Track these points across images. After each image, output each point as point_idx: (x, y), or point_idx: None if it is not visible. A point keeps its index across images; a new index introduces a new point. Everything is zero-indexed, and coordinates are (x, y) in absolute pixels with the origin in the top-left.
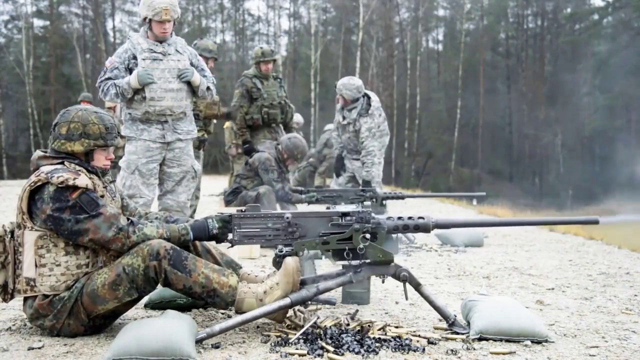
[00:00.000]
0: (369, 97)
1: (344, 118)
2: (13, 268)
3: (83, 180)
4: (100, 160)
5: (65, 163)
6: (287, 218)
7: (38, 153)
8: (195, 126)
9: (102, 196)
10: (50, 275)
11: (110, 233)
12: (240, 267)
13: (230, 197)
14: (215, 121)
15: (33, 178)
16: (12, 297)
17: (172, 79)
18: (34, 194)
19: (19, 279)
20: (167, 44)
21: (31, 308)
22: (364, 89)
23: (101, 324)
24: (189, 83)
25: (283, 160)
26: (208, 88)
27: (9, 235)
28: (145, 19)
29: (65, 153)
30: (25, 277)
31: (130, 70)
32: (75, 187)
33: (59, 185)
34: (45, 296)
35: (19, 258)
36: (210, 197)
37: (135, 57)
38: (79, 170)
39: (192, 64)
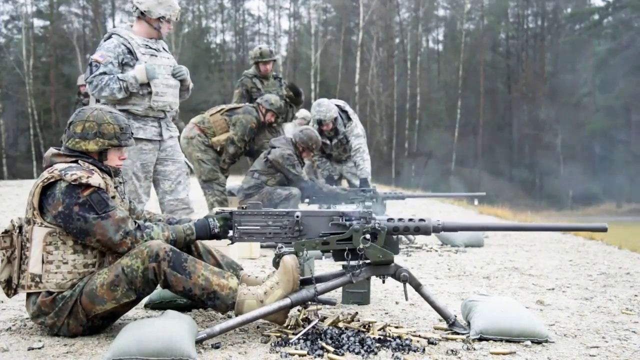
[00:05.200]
0: (336, 105)
1: (331, 140)
2: (19, 263)
3: (96, 179)
4: (114, 159)
5: (79, 162)
6: (297, 216)
7: (52, 150)
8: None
9: (114, 197)
10: (56, 273)
11: (117, 237)
12: (241, 269)
13: (252, 190)
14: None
15: (46, 174)
16: (15, 292)
17: (168, 76)
18: (46, 190)
19: (24, 274)
20: (155, 41)
21: (34, 305)
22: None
23: (100, 325)
24: (180, 82)
25: (299, 154)
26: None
27: (17, 231)
28: (160, 18)
29: (79, 152)
30: (30, 273)
31: (123, 66)
32: (87, 185)
33: (72, 183)
34: (49, 293)
35: (26, 254)
36: None
37: (130, 52)
38: (93, 170)
39: None
